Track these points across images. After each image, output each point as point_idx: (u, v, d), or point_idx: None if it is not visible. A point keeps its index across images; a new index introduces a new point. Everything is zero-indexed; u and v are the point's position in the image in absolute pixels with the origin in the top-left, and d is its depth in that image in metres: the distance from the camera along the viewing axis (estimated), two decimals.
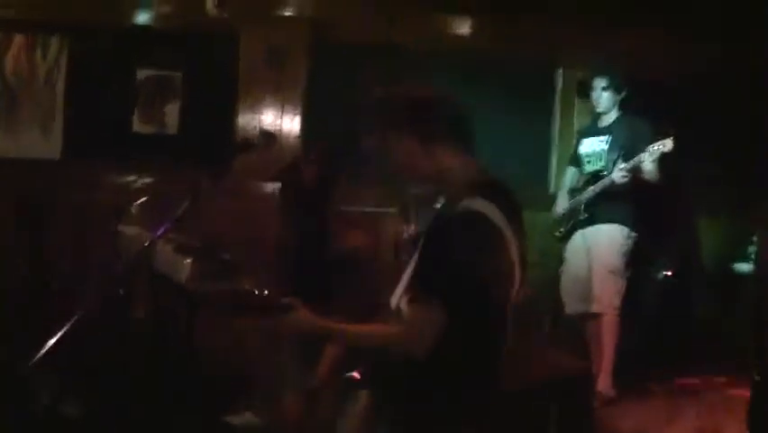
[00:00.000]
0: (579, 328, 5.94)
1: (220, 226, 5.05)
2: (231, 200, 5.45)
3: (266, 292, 2.55)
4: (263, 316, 2.58)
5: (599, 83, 5.93)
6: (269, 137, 5.67)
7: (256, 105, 6.07)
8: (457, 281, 2.45)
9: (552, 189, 6.76)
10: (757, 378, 4.70)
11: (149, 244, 3.16)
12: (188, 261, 3.81)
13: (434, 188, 2.72)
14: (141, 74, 5.90)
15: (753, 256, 6.52)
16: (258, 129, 6.01)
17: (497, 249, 2.51)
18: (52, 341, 2.64)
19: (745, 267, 6.62)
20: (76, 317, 2.69)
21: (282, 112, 6.09)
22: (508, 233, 2.54)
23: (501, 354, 2.64)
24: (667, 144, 5.45)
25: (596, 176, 5.83)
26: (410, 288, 2.55)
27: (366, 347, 2.62)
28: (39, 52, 5.66)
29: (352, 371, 2.87)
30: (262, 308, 2.56)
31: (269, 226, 5.77)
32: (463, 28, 6.57)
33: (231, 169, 3.61)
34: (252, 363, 4.35)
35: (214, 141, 5.88)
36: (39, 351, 2.63)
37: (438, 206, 2.77)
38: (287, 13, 6.13)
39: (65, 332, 2.66)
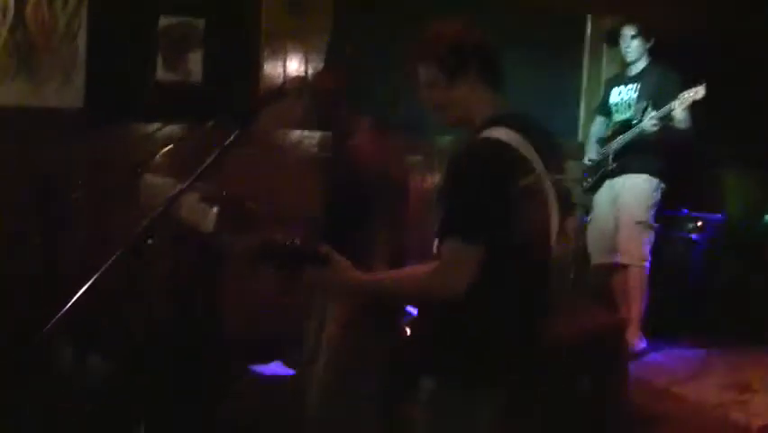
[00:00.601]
0: (606, 279, 5.91)
1: (248, 176, 5.00)
2: (259, 150, 5.41)
3: (297, 242, 2.44)
4: (298, 268, 2.48)
5: (628, 31, 5.84)
6: (298, 86, 5.60)
7: (280, 54, 5.99)
8: (480, 211, 2.41)
9: (581, 139, 6.68)
10: None
11: (176, 193, 3.11)
12: (215, 210, 3.79)
13: (459, 123, 2.66)
14: (164, 21, 5.82)
15: None
16: (283, 78, 5.94)
17: (519, 177, 2.44)
18: (79, 293, 2.61)
19: None
20: (101, 269, 2.64)
21: (307, 61, 6.01)
22: (538, 165, 2.50)
23: (542, 300, 2.60)
24: (699, 92, 5.38)
25: (625, 125, 5.77)
26: (439, 227, 2.47)
27: (405, 294, 2.57)
28: (59, 1, 5.59)
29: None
30: (296, 259, 2.45)
31: (298, 176, 5.74)
32: None
33: (259, 118, 3.54)
34: (279, 315, 4.34)
35: (239, 89, 5.82)
36: (65, 305, 2.59)
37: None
38: None
39: (90, 285, 2.62)
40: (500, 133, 2.47)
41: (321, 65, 5.93)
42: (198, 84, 5.87)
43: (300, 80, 5.74)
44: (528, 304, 2.54)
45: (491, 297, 2.44)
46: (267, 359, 4.95)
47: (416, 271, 2.53)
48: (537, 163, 2.49)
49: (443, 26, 2.65)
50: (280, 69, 5.97)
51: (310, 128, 5.75)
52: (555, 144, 2.72)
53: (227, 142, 3.09)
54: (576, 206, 2.88)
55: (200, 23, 5.87)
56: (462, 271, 2.37)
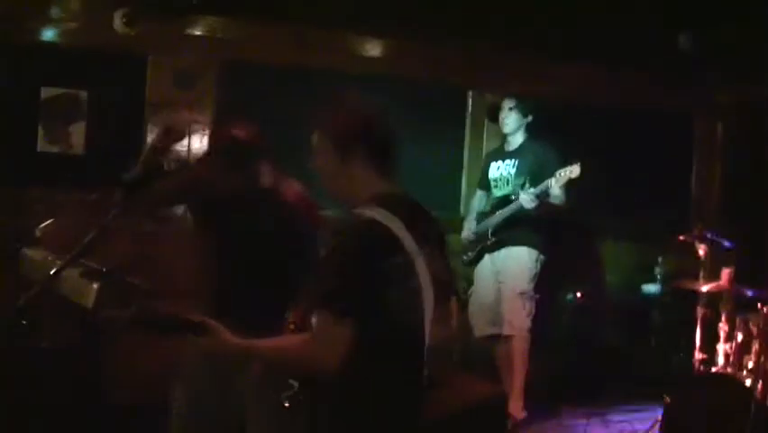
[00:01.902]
0: (488, 352, 5.99)
1: (129, 250, 4.94)
2: (141, 223, 5.36)
3: (173, 312, 2.49)
4: (176, 336, 2.53)
5: (506, 104, 6.00)
6: (178, 159, 5.58)
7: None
8: (347, 286, 2.46)
9: (463, 213, 6.80)
10: (667, 400, 4.81)
11: (56, 270, 3.06)
12: (95, 285, 3.72)
13: (343, 196, 2.71)
14: (46, 93, 5.75)
15: (659, 278, 6.69)
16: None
17: (388, 255, 2.50)
18: None
19: (652, 289, 6.77)
20: None
21: (191, 133, 6.00)
22: (411, 244, 2.54)
23: (416, 379, 2.63)
24: (574, 171, 5.54)
25: (504, 200, 5.90)
26: (312, 298, 2.53)
27: (278, 364, 2.62)
28: None
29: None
30: (172, 328, 2.49)
31: (180, 249, 5.68)
32: (375, 50, 6.58)
33: (141, 191, 3.52)
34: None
35: (121, 162, 5.75)
36: None
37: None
38: (196, 33, 6.05)
39: None
40: (375, 213, 2.54)
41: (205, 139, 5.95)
42: (81, 155, 5.80)
43: (185, 119, 5.71)
44: (404, 379, 2.58)
45: (365, 372, 2.47)
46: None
47: (291, 341, 2.56)
48: (409, 242, 2.54)
49: (343, 103, 2.72)
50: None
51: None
52: (433, 224, 2.77)
53: (109, 216, 3.07)
54: (455, 285, 2.94)
55: (83, 94, 5.83)
56: (331, 346, 2.41)
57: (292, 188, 3.64)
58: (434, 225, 2.78)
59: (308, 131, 2.71)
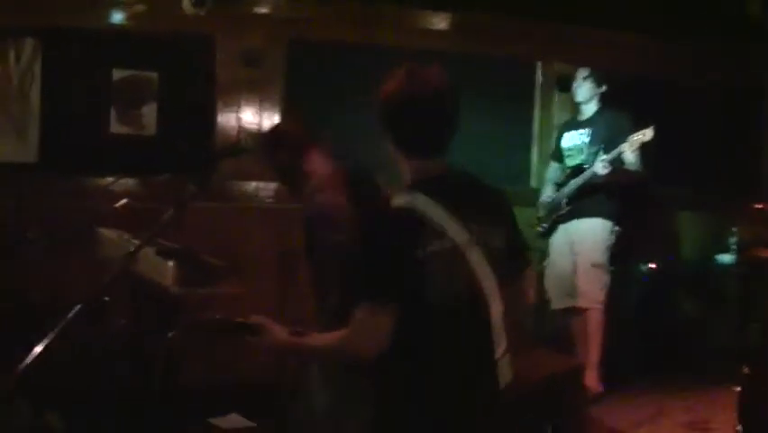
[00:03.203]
0: (565, 324, 5.95)
1: (205, 229, 5.00)
2: (215, 203, 5.43)
3: (238, 319, 2.68)
4: (233, 338, 2.68)
5: (580, 75, 5.94)
6: (255, 139, 5.64)
7: (235, 106, 6.01)
8: (383, 277, 2.45)
9: (534, 185, 6.75)
10: (746, 370, 4.71)
11: (134, 249, 3.10)
12: (171, 263, 3.77)
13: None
14: (117, 74, 5.82)
15: (733, 249, 6.54)
16: (238, 131, 5.97)
17: (424, 243, 2.45)
18: (37, 350, 2.59)
19: (726, 259, 6.63)
20: (59, 326, 2.63)
21: (261, 112, 6.04)
22: (455, 228, 2.50)
23: (481, 356, 2.59)
24: (647, 134, 5.47)
25: (578, 169, 5.84)
26: (350, 290, 2.57)
27: (323, 358, 2.80)
28: (12, 56, 5.58)
29: None
30: (230, 330, 2.69)
31: (255, 230, 5.75)
32: (441, 24, 6.53)
33: (216, 172, 3.57)
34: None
35: (193, 142, 5.83)
36: (22, 363, 2.57)
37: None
38: (263, 12, 6.07)
39: (49, 342, 2.60)
40: (410, 200, 2.51)
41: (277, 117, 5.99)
42: (153, 137, 5.88)
43: (256, 136, 5.76)
44: (468, 356, 2.55)
45: (412, 360, 2.49)
46: (225, 411, 4.93)
47: (335, 334, 2.56)
48: (452, 227, 2.50)
49: (383, 83, 2.65)
50: (235, 121, 6.00)
51: (267, 179, 5.76)
52: (494, 201, 2.73)
53: (184, 196, 3.10)
54: (530, 258, 2.91)
55: (154, 76, 5.89)
56: (368, 336, 2.43)
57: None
58: (495, 202, 2.73)
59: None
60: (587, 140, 5.84)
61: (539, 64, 6.92)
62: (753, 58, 6.85)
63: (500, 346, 2.60)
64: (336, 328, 2.54)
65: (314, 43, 6.20)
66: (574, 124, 6.04)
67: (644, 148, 5.54)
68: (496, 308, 2.57)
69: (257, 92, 6.05)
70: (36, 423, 4.01)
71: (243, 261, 5.12)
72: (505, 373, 2.62)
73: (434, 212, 2.48)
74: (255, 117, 6.03)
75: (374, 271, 2.48)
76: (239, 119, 6.00)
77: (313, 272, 3.58)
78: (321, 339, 2.63)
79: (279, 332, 2.62)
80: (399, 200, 2.53)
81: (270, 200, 5.99)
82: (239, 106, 6.01)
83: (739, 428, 4.65)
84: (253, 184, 5.99)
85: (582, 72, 5.94)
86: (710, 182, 6.95)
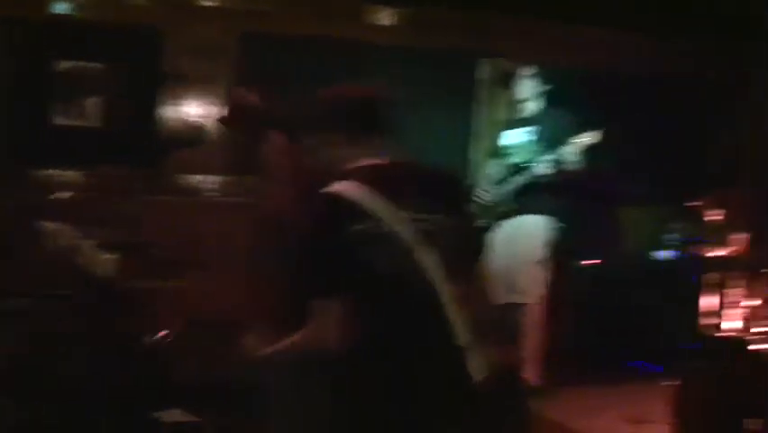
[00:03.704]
0: (505, 318, 6.01)
1: (152, 223, 4.97)
2: (163, 196, 5.39)
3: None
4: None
5: (523, 72, 5.99)
6: (202, 132, 5.60)
7: (183, 99, 5.98)
8: (317, 264, 2.47)
9: (474, 181, 6.79)
10: (682, 364, 4.83)
11: (75, 242, 3.10)
12: (111, 256, 3.76)
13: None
14: (62, 65, 5.76)
15: (675, 244, 6.69)
16: (187, 123, 5.92)
17: (352, 223, 2.45)
18: None
19: (667, 255, 6.78)
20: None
21: (210, 106, 6.00)
22: (388, 214, 2.48)
23: (428, 349, 2.55)
24: (592, 137, 5.54)
25: (520, 168, 5.89)
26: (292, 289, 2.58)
27: (298, 356, 2.58)
28: None
29: None
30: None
31: (203, 222, 5.71)
32: (390, 19, 6.55)
33: (163, 164, 3.56)
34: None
35: (139, 135, 5.79)
36: None
37: None
38: (214, 3, 6.04)
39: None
40: (342, 187, 2.52)
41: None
42: (98, 129, 5.82)
43: (205, 129, 5.71)
44: (418, 356, 2.51)
45: (369, 343, 2.45)
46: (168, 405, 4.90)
47: (300, 334, 2.53)
48: (385, 212, 2.48)
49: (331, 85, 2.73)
50: (183, 114, 5.95)
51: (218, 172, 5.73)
52: (445, 190, 2.73)
53: (129, 186, 3.10)
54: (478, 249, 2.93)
55: (100, 67, 5.84)
56: (325, 326, 2.43)
57: None
58: (449, 194, 2.74)
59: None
60: (530, 138, 5.89)
61: (482, 61, 6.93)
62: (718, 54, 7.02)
63: (463, 338, 2.55)
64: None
65: (267, 36, 6.18)
66: (517, 122, 6.09)
67: (587, 148, 5.61)
68: (448, 301, 2.52)
69: (207, 85, 6.02)
70: None
71: (197, 255, 5.10)
72: (479, 368, 2.61)
73: (362, 196, 2.50)
74: (204, 111, 5.99)
75: (309, 262, 2.49)
76: (187, 112, 5.96)
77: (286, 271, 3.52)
78: (292, 340, 2.57)
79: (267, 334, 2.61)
80: (331, 187, 2.54)
81: (220, 193, 5.94)
82: (188, 99, 5.97)
83: (675, 420, 4.79)
84: (204, 177, 5.95)
85: (526, 70, 6.00)
86: (655, 177, 7.08)
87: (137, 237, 3.94)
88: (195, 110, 5.97)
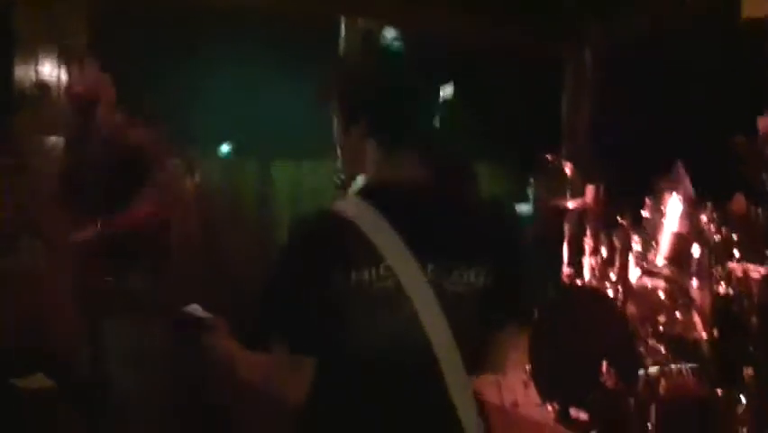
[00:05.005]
0: None
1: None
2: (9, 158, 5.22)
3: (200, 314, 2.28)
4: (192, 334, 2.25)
5: (386, 35, 6.04)
6: (45, 89, 5.43)
7: (32, 56, 5.78)
8: (294, 309, 1.94)
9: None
10: (535, 314, 5.03)
11: None
12: None
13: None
14: None
15: (530, 198, 6.92)
16: (33, 83, 5.74)
17: (349, 269, 1.90)
18: None
19: (524, 208, 7.01)
20: None
21: (60, 63, 5.83)
22: (395, 254, 1.91)
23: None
24: (446, 91, 5.66)
25: None
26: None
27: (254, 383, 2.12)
28: None
29: None
30: (194, 326, 2.27)
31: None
32: None
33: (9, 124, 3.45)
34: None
35: None
36: None
37: None
38: None
39: None
40: (353, 208, 1.95)
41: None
42: None
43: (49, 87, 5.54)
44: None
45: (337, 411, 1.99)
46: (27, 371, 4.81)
47: (266, 364, 2.06)
48: (395, 252, 1.91)
49: (346, 64, 2.35)
50: (33, 74, 5.77)
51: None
52: (481, 231, 2.10)
53: None
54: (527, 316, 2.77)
55: None
56: (291, 382, 1.95)
57: None
58: (493, 236, 2.15)
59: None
60: None
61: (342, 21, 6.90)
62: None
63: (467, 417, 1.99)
64: None
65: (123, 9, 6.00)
66: None
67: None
68: (452, 375, 1.97)
69: (57, 43, 5.82)
70: None
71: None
72: None
73: (365, 222, 1.92)
74: (55, 70, 5.81)
75: (279, 301, 1.97)
76: (37, 72, 5.77)
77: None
78: (256, 364, 2.09)
79: (229, 336, 2.19)
80: (338, 207, 1.99)
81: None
82: (37, 58, 5.78)
83: (528, 367, 5.00)
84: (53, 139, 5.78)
85: (389, 31, 6.04)
86: (509, 135, 7.26)
87: None
88: (46, 69, 5.78)
